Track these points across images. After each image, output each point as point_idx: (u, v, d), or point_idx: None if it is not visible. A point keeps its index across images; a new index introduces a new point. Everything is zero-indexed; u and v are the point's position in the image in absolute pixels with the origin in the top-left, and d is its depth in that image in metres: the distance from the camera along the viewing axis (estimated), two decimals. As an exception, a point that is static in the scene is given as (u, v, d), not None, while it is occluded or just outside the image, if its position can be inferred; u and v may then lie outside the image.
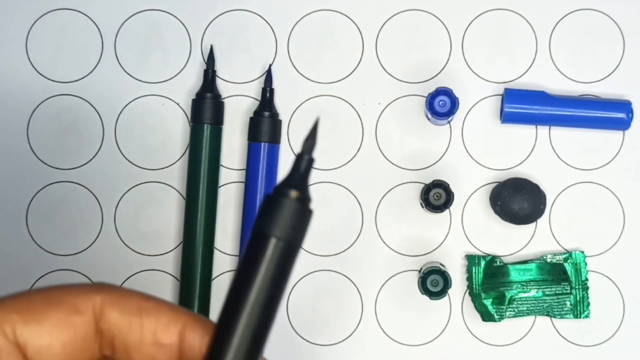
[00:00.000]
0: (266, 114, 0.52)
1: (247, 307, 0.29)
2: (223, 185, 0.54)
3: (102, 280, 0.53)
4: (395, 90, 0.54)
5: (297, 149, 0.53)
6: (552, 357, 0.53)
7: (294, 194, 0.30)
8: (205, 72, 0.53)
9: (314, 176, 0.53)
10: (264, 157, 0.52)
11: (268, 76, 0.53)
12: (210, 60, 0.53)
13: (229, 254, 0.53)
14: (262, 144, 0.52)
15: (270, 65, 0.53)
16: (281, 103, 0.54)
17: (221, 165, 0.54)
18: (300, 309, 0.53)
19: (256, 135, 0.52)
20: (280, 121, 0.53)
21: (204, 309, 0.52)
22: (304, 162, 0.32)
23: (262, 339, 0.29)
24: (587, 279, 0.52)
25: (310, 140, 0.31)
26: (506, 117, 0.52)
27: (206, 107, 0.52)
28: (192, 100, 0.53)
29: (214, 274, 0.53)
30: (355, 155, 0.53)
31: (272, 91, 0.53)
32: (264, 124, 0.52)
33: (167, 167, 0.54)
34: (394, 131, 0.53)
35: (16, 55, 0.54)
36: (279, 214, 0.29)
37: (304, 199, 0.30)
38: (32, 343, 0.26)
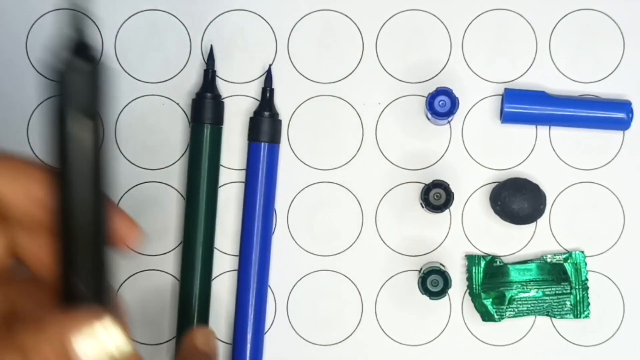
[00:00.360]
0: (266, 114, 0.52)
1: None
2: (223, 185, 0.54)
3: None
4: (395, 90, 0.54)
5: (298, 148, 0.53)
6: (552, 357, 0.53)
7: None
8: (205, 72, 0.53)
9: (313, 176, 0.53)
10: (264, 157, 0.52)
11: (268, 76, 0.53)
12: (210, 60, 0.53)
13: (229, 254, 0.53)
14: (262, 144, 0.52)
15: (270, 65, 0.53)
16: (281, 103, 0.54)
17: (221, 165, 0.54)
18: (300, 309, 0.53)
19: (256, 135, 0.52)
20: (280, 121, 0.53)
21: (204, 309, 0.52)
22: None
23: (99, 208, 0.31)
24: (587, 279, 0.52)
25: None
26: (506, 117, 0.52)
27: (206, 107, 0.52)
28: (192, 100, 0.53)
29: (214, 274, 0.53)
30: (355, 155, 0.53)
31: (272, 91, 0.53)
32: (264, 124, 0.52)
33: (167, 167, 0.54)
34: (394, 131, 0.53)
35: (16, 55, 0.54)
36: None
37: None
38: None
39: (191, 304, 0.52)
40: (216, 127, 0.52)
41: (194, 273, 0.52)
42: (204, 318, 0.53)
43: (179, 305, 0.53)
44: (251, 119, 0.53)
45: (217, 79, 0.53)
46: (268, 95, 0.53)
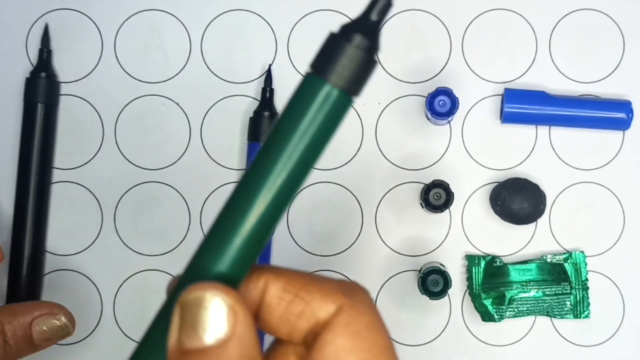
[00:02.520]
0: (266, 114, 0.52)
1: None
2: (223, 185, 0.54)
3: (102, 279, 0.53)
4: (395, 90, 0.54)
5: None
6: (552, 357, 0.53)
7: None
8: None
9: (313, 176, 0.53)
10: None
11: (268, 76, 0.53)
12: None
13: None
14: (262, 144, 0.52)
15: (270, 65, 0.53)
16: (281, 103, 0.54)
17: (221, 165, 0.54)
18: (300, 309, 0.53)
19: (256, 135, 0.52)
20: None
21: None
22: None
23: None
24: (587, 279, 0.52)
25: None
26: (506, 117, 0.52)
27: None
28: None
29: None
30: (355, 155, 0.53)
31: (272, 91, 0.53)
32: (264, 124, 0.52)
33: (167, 167, 0.54)
34: (394, 131, 0.53)
35: (16, 55, 0.54)
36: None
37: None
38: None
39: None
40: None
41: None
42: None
43: None
44: (251, 119, 0.53)
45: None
46: (268, 95, 0.53)
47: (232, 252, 0.27)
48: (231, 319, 0.25)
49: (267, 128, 0.52)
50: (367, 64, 0.27)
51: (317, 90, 0.26)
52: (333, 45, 0.27)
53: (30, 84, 0.53)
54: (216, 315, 0.25)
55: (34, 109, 0.52)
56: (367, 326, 0.27)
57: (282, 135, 0.27)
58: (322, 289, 0.28)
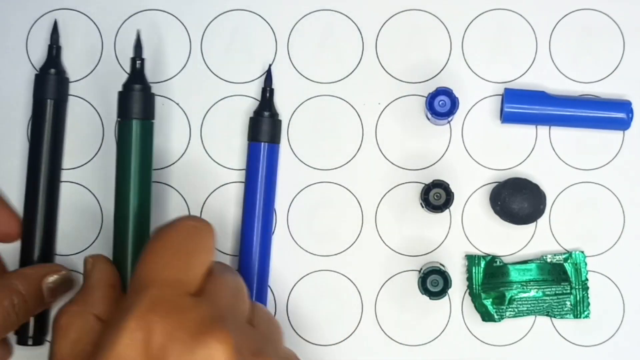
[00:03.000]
0: (266, 114, 0.52)
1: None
2: (223, 185, 0.54)
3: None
4: (395, 90, 0.54)
5: (298, 148, 0.53)
6: (552, 357, 0.53)
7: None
8: (132, 60, 0.51)
9: (313, 176, 0.53)
10: (264, 157, 0.52)
11: (268, 76, 0.53)
12: (138, 48, 0.51)
13: (229, 254, 0.53)
14: (262, 144, 0.52)
15: (270, 65, 0.53)
16: (281, 103, 0.54)
17: (221, 165, 0.54)
18: (300, 309, 0.53)
19: (256, 135, 0.52)
20: (280, 121, 0.53)
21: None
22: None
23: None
24: (587, 279, 0.52)
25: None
26: (506, 117, 0.52)
27: (134, 100, 0.49)
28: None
29: (214, 274, 0.53)
30: (355, 155, 0.53)
31: (272, 91, 0.53)
32: (264, 124, 0.52)
33: (166, 167, 0.54)
34: (394, 131, 0.53)
35: (16, 55, 0.54)
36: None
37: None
38: None
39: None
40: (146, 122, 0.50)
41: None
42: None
43: None
44: (251, 118, 0.53)
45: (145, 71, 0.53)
46: (268, 95, 0.53)
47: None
48: (88, 267, 0.48)
49: (268, 128, 0.52)
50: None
51: (130, 126, 0.47)
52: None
53: (40, 81, 0.52)
54: (86, 267, 0.48)
55: (44, 105, 0.52)
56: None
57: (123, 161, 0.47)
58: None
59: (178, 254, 0.41)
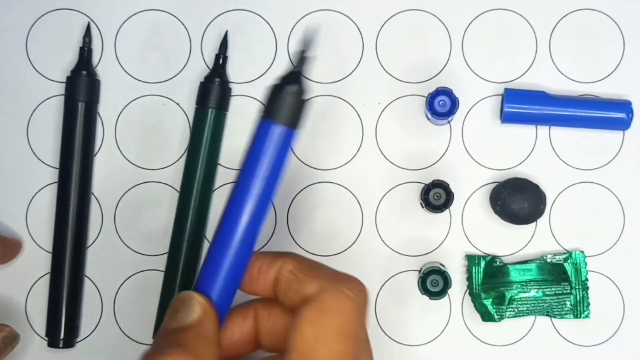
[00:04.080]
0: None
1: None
2: (223, 185, 0.54)
3: (102, 279, 0.53)
4: (395, 90, 0.54)
5: (297, 148, 0.53)
6: (552, 357, 0.53)
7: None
8: (217, 56, 0.53)
9: (313, 176, 0.53)
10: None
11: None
12: (223, 45, 0.53)
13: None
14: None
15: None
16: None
17: (221, 165, 0.54)
18: (300, 309, 0.53)
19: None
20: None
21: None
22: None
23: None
24: (587, 279, 0.52)
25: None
26: (506, 117, 0.52)
27: (213, 91, 0.52)
28: (200, 83, 0.53)
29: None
30: (355, 155, 0.53)
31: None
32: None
33: (167, 167, 0.54)
34: (394, 131, 0.53)
35: (16, 55, 0.54)
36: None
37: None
38: None
39: (172, 291, 0.52)
40: (220, 112, 0.53)
41: (179, 258, 0.52)
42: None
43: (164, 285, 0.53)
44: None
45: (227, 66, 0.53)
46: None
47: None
48: (198, 311, 0.37)
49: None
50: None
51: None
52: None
53: (71, 82, 0.53)
54: (188, 308, 0.37)
55: (75, 107, 0.52)
56: (339, 310, 0.35)
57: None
58: (316, 274, 0.36)
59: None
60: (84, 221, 0.53)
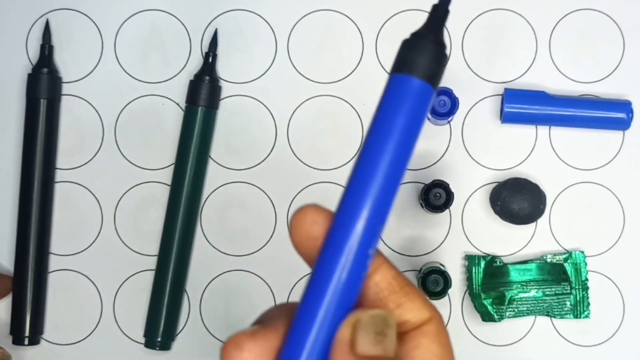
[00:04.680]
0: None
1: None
2: (223, 185, 0.54)
3: (102, 279, 0.53)
4: (395, 90, 0.53)
5: (298, 148, 0.53)
6: (552, 357, 0.53)
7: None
8: (206, 54, 0.53)
9: (313, 176, 0.53)
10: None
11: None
12: (213, 44, 0.53)
13: (229, 254, 0.53)
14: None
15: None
16: (281, 103, 0.54)
17: (221, 165, 0.54)
18: (300, 309, 0.53)
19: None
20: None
21: (176, 291, 0.52)
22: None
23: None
24: (587, 279, 0.52)
25: None
26: (506, 117, 0.52)
27: (203, 89, 0.52)
28: (190, 81, 0.53)
29: (215, 273, 0.53)
30: (355, 156, 0.53)
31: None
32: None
33: (167, 167, 0.54)
34: (394, 131, 0.53)
35: (16, 55, 0.54)
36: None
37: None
38: None
39: (163, 290, 0.52)
40: (210, 110, 0.53)
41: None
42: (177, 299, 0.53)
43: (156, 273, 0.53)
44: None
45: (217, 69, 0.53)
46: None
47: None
48: (394, 339, 0.30)
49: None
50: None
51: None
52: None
53: (33, 80, 0.52)
54: (393, 333, 0.30)
55: (37, 104, 0.52)
56: (448, 342, 0.33)
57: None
58: (421, 295, 0.33)
59: None
60: (46, 219, 0.53)
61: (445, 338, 0.33)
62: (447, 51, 0.32)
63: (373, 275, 0.31)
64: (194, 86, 0.52)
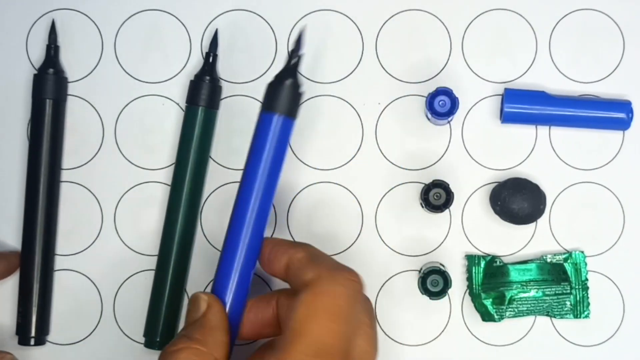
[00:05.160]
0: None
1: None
2: (223, 185, 0.54)
3: (102, 279, 0.53)
4: (395, 90, 0.54)
5: (298, 148, 0.53)
6: (552, 357, 0.53)
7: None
8: (207, 54, 0.53)
9: (313, 176, 0.53)
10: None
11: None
12: (213, 44, 0.53)
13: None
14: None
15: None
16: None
17: (221, 165, 0.54)
18: (300, 309, 0.53)
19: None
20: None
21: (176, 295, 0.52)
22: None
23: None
24: (587, 279, 0.52)
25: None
26: (506, 117, 0.52)
27: (203, 89, 0.52)
28: (190, 82, 0.53)
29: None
30: (355, 155, 0.53)
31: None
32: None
33: (167, 167, 0.54)
34: (394, 131, 0.53)
35: (16, 55, 0.54)
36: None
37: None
38: None
39: (163, 290, 0.52)
40: (210, 110, 0.53)
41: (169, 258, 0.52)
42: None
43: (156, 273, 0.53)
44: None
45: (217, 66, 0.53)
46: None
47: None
48: (203, 305, 0.42)
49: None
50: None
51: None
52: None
53: (39, 80, 0.52)
54: (196, 304, 0.42)
55: (43, 105, 0.52)
56: (330, 293, 0.39)
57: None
58: (318, 263, 0.41)
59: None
60: (52, 219, 0.53)
61: (319, 299, 0.39)
62: (302, 90, 0.43)
63: (282, 257, 0.42)
64: (195, 86, 0.52)
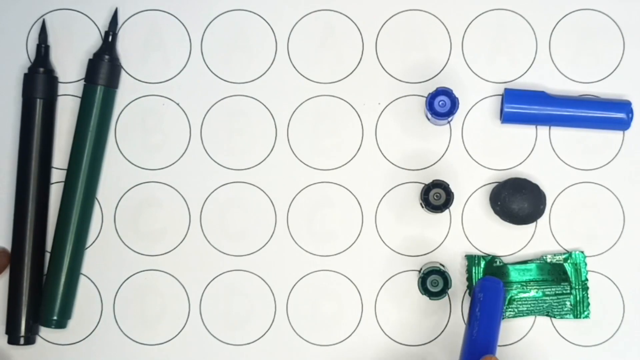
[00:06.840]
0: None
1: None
2: (223, 185, 0.54)
3: (102, 279, 0.53)
4: (395, 90, 0.54)
5: (298, 148, 0.53)
6: (552, 357, 0.53)
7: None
8: (106, 33, 0.53)
9: (313, 176, 0.53)
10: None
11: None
12: (113, 23, 0.53)
13: (229, 254, 0.53)
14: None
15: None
16: (281, 103, 0.54)
17: (221, 165, 0.54)
18: (300, 309, 0.53)
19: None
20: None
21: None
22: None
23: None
24: (587, 279, 0.52)
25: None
26: (506, 117, 0.52)
27: (102, 68, 0.52)
28: (89, 60, 0.53)
29: (215, 273, 0.53)
30: (355, 155, 0.53)
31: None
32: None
33: (167, 167, 0.54)
34: (394, 131, 0.53)
35: (16, 55, 0.54)
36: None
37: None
38: None
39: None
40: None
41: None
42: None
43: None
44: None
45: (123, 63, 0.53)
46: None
47: None
48: None
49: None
50: (114, 69, 0.52)
51: (94, 91, 0.51)
52: (94, 65, 0.51)
53: (29, 80, 0.52)
54: None
55: (33, 104, 0.52)
56: None
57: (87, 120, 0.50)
58: None
59: None
60: (43, 217, 0.53)
61: None
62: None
63: None
64: (93, 65, 0.52)
